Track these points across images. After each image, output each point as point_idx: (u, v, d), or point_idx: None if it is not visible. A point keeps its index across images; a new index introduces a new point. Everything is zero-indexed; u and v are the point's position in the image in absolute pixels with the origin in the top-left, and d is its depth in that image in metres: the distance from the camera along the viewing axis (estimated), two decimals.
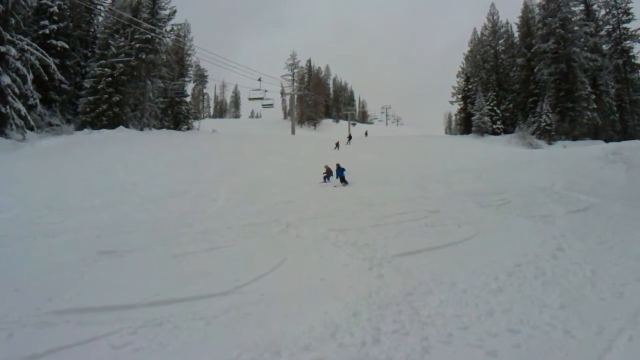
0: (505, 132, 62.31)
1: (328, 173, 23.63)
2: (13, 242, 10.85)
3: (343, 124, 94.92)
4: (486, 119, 62.18)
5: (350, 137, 57.48)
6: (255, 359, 5.02)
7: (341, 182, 22.60)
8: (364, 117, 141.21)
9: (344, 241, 10.73)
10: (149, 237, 11.47)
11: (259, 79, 58.00)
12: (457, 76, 72.44)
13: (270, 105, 61.03)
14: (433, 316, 6.28)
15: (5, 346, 5.09)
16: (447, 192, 18.46)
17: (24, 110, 35.41)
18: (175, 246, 10.37)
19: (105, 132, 40.07)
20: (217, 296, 6.94)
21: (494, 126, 62.82)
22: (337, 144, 45.51)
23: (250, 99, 59.10)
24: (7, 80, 34.34)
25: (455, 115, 77.41)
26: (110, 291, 7.05)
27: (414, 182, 21.85)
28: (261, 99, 59.71)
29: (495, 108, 63.59)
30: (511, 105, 64.07)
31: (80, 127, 42.36)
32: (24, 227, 12.53)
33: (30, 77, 37.00)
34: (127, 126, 44.47)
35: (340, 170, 23.00)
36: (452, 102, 73.00)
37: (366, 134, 70.03)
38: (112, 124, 42.99)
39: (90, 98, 43.36)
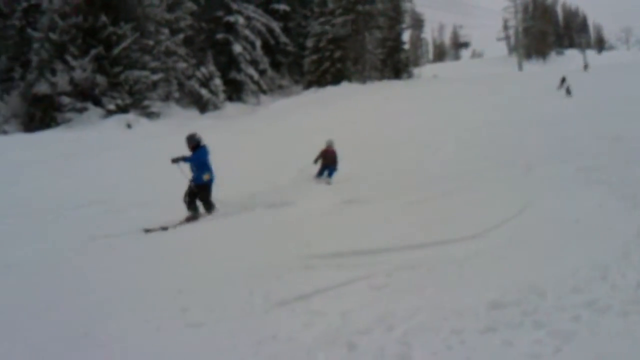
0: None
1: None
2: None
3: (580, 55, 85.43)
4: None
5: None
6: (521, 300, 4.61)
7: None
8: (600, 44, 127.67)
9: (596, 180, 9.48)
10: (381, 186, 11.41)
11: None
12: None
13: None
14: None
15: (278, 287, 5.36)
16: None
17: (256, 76, 37.84)
18: (410, 193, 10.15)
19: (329, 88, 41.23)
20: (464, 240, 6.58)
21: None
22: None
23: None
24: (238, 48, 36.88)
25: None
26: (359, 237, 7.07)
27: None
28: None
29: None
30: None
31: (307, 87, 44.16)
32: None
33: (258, 43, 39.27)
34: (350, 81, 45.32)
35: None
36: None
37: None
38: (335, 80, 44.11)
39: (314, 57, 44.87)
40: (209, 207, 10.36)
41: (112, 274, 6.43)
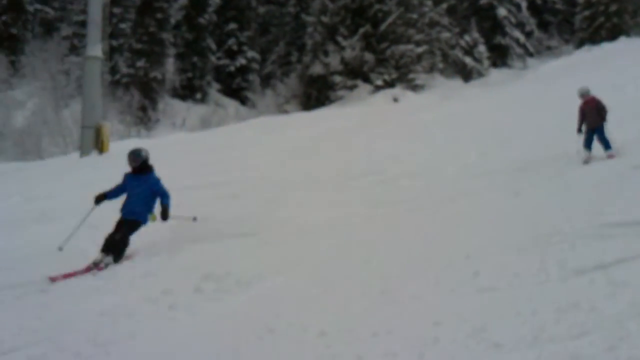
0: None
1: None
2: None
3: None
4: None
5: None
6: None
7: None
8: None
9: None
10: None
11: None
12: None
13: None
14: None
15: (572, 255, 5.13)
16: None
17: (522, 38, 36.28)
18: None
19: (605, 46, 37.63)
20: None
21: None
22: None
23: None
24: (503, 12, 35.66)
25: None
26: None
27: None
28: None
29: None
30: None
31: (578, 45, 40.92)
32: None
33: (524, 4, 37.51)
34: (628, 35, 40.84)
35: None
36: None
37: None
38: (610, 37, 40.12)
39: (586, 13, 41.28)
40: (123, 248, 7.21)
41: (395, 236, 6.81)
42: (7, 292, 5.98)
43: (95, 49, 21.93)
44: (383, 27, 30.26)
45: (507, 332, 3.81)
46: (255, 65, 39.33)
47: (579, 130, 10.76)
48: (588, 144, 10.53)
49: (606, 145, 10.34)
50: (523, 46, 36.59)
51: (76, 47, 35.11)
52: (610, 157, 10.23)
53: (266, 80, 41.09)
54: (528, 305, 4.22)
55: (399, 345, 3.91)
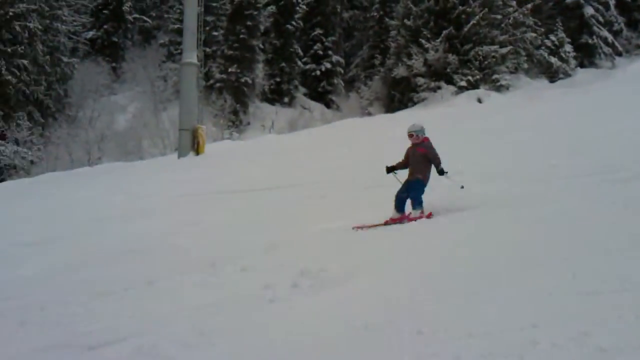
0: None
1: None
2: None
3: None
4: None
5: None
6: None
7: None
8: None
9: None
10: None
11: None
12: None
13: None
14: None
15: None
16: None
17: (610, 37, 35.06)
18: None
19: None
20: None
21: None
22: None
23: None
24: (590, 11, 34.73)
25: None
26: None
27: None
28: None
29: None
30: None
31: None
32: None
33: (612, 2, 36.28)
34: None
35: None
36: None
37: None
38: None
39: None
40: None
41: (482, 237, 6.80)
42: (116, 283, 6.45)
43: (191, 55, 22.96)
44: (466, 28, 30.10)
45: (611, 337, 3.78)
46: (339, 69, 40.05)
47: (390, 170, 8.37)
48: (400, 203, 8.09)
49: (415, 203, 8.02)
50: (611, 45, 35.31)
51: (173, 54, 37.05)
52: (411, 219, 7.90)
53: (350, 84, 41.73)
54: (631, 309, 4.17)
55: (497, 347, 3.95)
